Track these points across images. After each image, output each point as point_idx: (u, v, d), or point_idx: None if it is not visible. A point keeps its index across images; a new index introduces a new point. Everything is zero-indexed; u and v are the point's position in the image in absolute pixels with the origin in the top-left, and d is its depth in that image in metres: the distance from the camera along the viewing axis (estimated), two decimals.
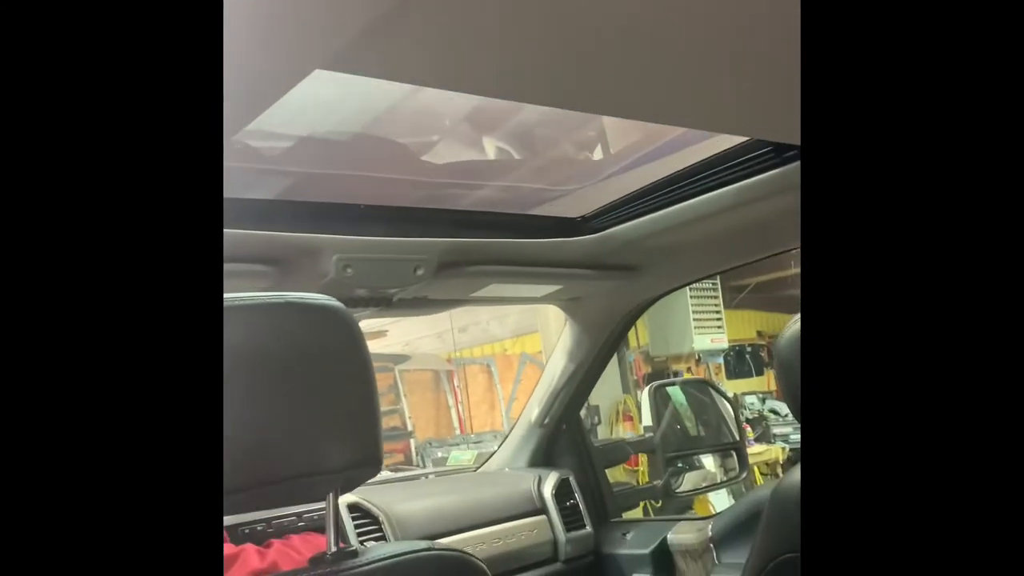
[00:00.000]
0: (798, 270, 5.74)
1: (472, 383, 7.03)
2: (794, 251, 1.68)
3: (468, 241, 1.35)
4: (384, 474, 2.23)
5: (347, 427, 0.72)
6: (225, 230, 1.07)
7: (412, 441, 5.85)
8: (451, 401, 6.95)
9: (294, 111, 1.10)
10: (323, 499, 0.76)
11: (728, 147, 1.25)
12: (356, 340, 0.74)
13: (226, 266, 1.14)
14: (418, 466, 5.24)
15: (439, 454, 5.26)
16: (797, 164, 1.18)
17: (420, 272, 1.30)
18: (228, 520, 1.27)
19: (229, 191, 1.16)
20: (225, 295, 0.66)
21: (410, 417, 6.29)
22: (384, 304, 1.40)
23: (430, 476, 2.69)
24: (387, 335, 6.01)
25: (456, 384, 6.98)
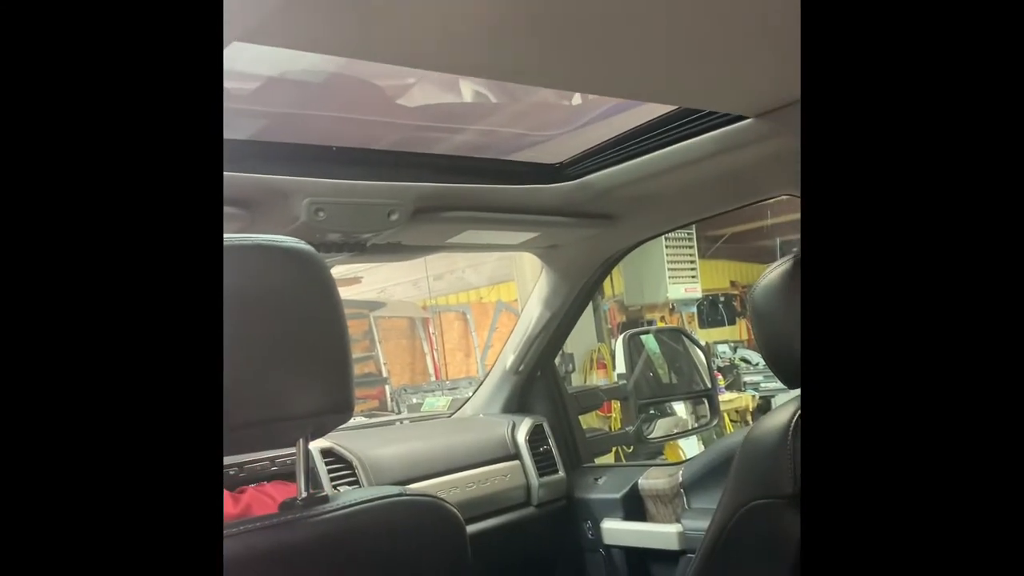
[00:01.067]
0: (773, 220, 5.77)
1: (448, 330, 7.04)
2: (769, 201, 1.67)
3: (444, 186, 1.33)
4: (359, 419, 2.23)
5: (317, 372, 0.71)
6: None
7: (387, 387, 5.87)
8: (426, 348, 6.96)
9: (265, 50, 1.07)
10: (294, 444, 0.75)
11: None
12: (326, 284, 0.73)
13: None
14: (393, 412, 5.27)
15: (414, 400, 5.28)
16: (775, 113, 1.16)
17: (394, 217, 1.28)
18: None
19: None
20: None
21: (385, 364, 6.30)
22: (357, 249, 1.38)
23: (404, 422, 2.70)
24: (361, 281, 5.99)
25: (431, 331, 7.00)
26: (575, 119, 1.48)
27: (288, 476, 1.35)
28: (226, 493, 0.91)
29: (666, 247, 5.21)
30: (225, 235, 0.70)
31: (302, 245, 0.72)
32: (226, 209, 1.14)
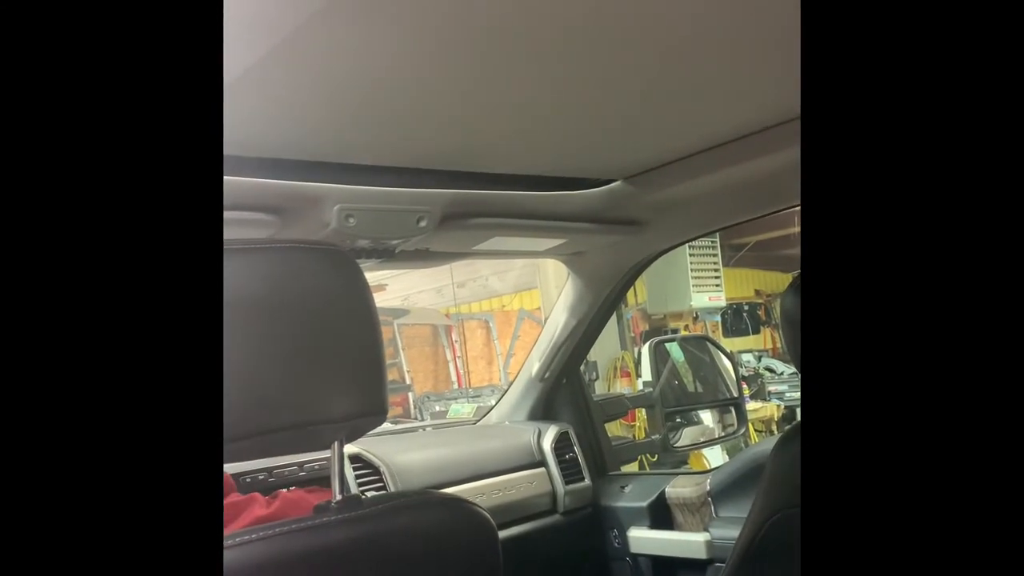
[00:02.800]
0: (798, 228, 5.73)
1: (470, 338, 7.05)
2: (795, 209, 1.66)
3: (472, 192, 1.33)
4: (384, 426, 2.24)
5: (353, 374, 0.72)
6: (227, 177, 1.06)
7: (410, 394, 5.89)
8: (449, 356, 6.98)
9: None
10: (328, 447, 0.76)
11: None
12: (361, 286, 0.73)
13: (228, 214, 1.13)
14: (416, 419, 5.28)
15: (437, 407, 5.30)
16: (798, 122, 1.16)
17: (423, 223, 1.29)
18: (232, 468, 1.27)
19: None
20: (229, 240, 0.65)
21: (408, 371, 6.32)
22: (386, 255, 1.39)
23: (428, 429, 2.71)
24: (386, 289, 6.01)
25: (454, 339, 7.01)
26: None
27: (318, 481, 1.36)
28: (259, 497, 0.91)
29: (690, 255, 5.19)
30: (260, 239, 0.71)
31: (337, 248, 0.73)
32: (257, 215, 1.15)
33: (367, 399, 0.73)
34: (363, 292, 0.73)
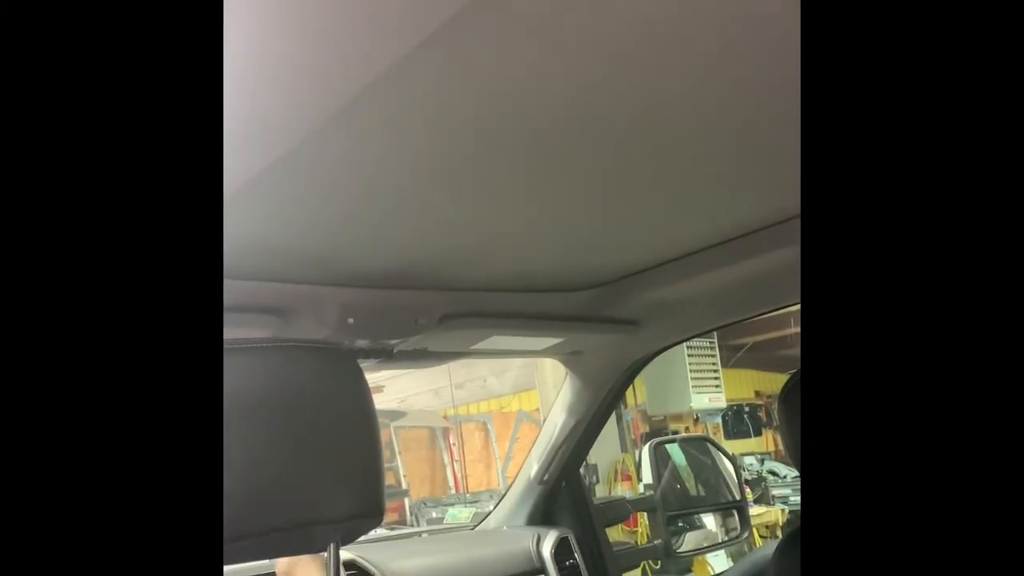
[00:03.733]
0: (796, 329, 5.75)
1: (468, 440, 6.96)
2: (793, 309, 1.68)
3: (469, 293, 1.35)
4: (379, 531, 2.18)
5: (351, 475, 0.71)
6: (229, 280, 1.08)
7: (407, 500, 5.76)
8: (447, 459, 6.86)
9: None
10: (324, 550, 0.74)
11: None
12: (362, 387, 0.73)
13: (228, 315, 1.13)
14: (412, 525, 5.14)
15: (434, 514, 5.17)
16: (791, 222, 1.19)
17: (422, 323, 1.30)
18: (227, 570, 1.23)
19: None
20: (232, 339, 0.66)
21: (405, 475, 6.20)
22: (385, 355, 1.39)
23: (424, 535, 2.64)
24: (384, 391, 5.97)
25: (452, 442, 6.91)
26: None
27: None
28: None
29: (688, 356, 5.18)
30: (262, 338, 0.72)
31: (339, 348, 0.73)
32: (259, 316, 1.16)
33: (364, 500, 0.72)
34: (363, 393, 0.74)
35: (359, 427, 0.72)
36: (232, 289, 1.09)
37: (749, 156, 0.92)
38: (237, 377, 0.66)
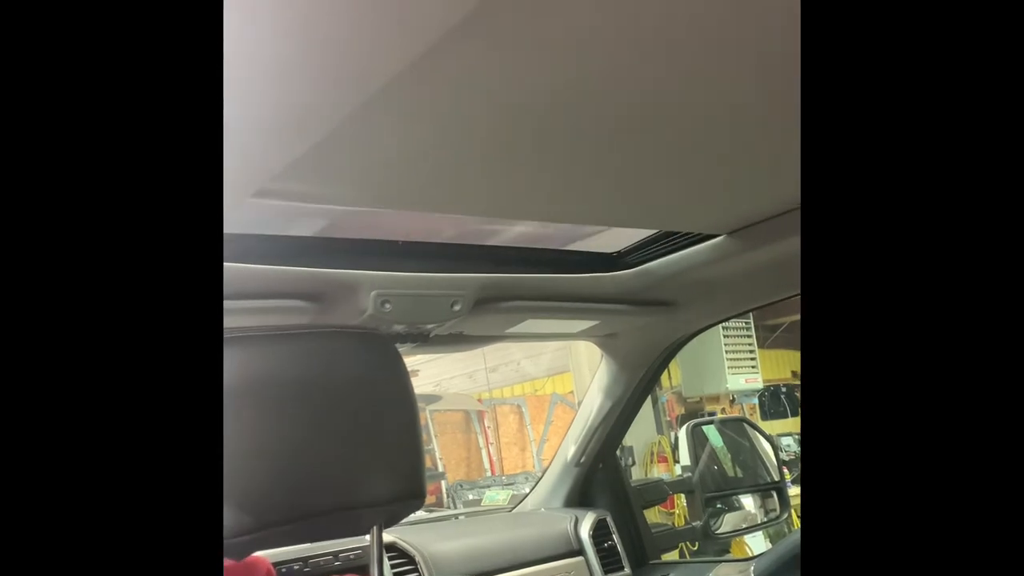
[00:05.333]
0: None
1: (503, 423, 6.98)
2: None
3: (505, 276, 1.35)
4: (418, 514, 2.20)
5: (393, 458, 0.72)
6: (264, 267, 1.09)
7: (443, 483, 5.81)
8: (482, 442, 6.90)
9: None
10: (366, 533, 0.75)
11: None
12: (400, 371, 0.74)
13: (266, 302, 1.15)
14: (449, 508, 5.19)
15: (470, 496, 5.20)
16: None
17: (457, 307, 1.30)
18: (268, 556, 1.25)
19: (268, 229, 1.18)
20: (270, 326, 0.67)
21: (441, 458, 6.25)
22: (421, 340, 1.40)
23: (462, 517, 2.66)
24: (419, 375, 6.01)
25: (487, 425, 6.94)
26: None
27: (353, 571, 1.33)
28: None
29: (724, 337, 5.13)
30: (300, 324, 0.72)
31: (377, 333, 0.74)
32: (296, 303, 1.17)
33: (406, 483, 0.72)
34: (402, 376, 0.74)
35: (400, 411, 0.73)
36: (270, 276, 1.10)
37: (788, 138, 0.91)
38: (279, 364, 0.66)
